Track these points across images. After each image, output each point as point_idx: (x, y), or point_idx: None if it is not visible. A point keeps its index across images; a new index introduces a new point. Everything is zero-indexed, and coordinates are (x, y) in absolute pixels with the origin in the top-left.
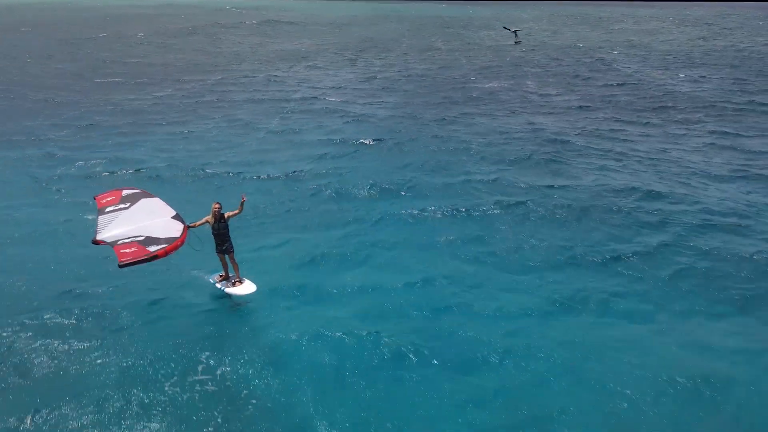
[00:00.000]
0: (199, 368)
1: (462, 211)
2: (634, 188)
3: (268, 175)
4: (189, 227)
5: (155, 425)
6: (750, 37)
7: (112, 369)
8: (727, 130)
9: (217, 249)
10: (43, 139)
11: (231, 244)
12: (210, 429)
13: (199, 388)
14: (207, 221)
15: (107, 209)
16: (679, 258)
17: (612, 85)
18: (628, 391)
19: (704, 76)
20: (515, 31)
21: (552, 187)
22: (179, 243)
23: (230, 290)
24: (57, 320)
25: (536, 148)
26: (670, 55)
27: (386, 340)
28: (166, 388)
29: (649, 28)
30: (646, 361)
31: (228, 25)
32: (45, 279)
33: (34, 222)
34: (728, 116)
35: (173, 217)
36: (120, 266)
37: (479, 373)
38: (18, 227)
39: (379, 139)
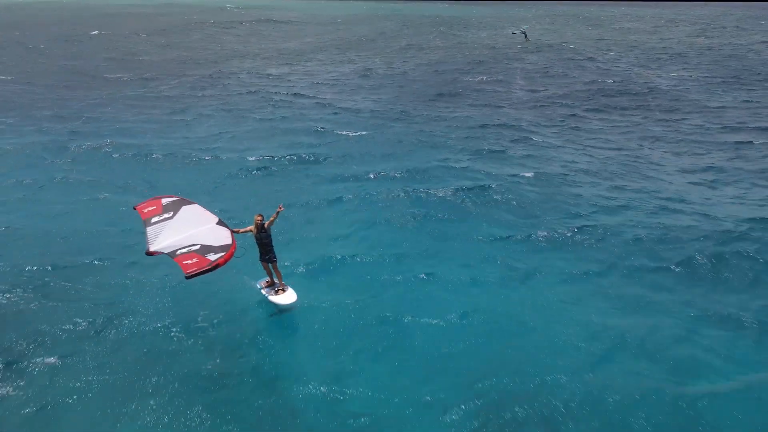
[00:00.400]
0: (199, 318)
1: (434, 194)
2: (598, 180)
3: (260, 157)
4: (233, 233)
5: (163, 363)
6: (748, 35)
7: (126, 322)
8: (707, 125)
9: (260, 257)
10: (53, 128)
11: (274, 254)
12: (209, 365)
13: (201, 334)
14: (250, 230)
15: (153, 220)
16: (628, 232)
17: (600, 82)
18: (567, 334)
19: (693, 75)
20: (524, 31)
21: (521, 175)
22: (234, 249)
23: (273, 298)
24: (77, 286)
25: (511, 144)
26: (664, 53)
27: (366, 304)
28: (173, 334)
29: (649, 28)
30: (585, 312)
31: (228, 24)
32: (68, 250)
33: (51, 200)
34: (710, 112)
35: (217, 223)
36: (187, 278)
37: (447, 330)
38: (38, 205)
39: (364, 130)
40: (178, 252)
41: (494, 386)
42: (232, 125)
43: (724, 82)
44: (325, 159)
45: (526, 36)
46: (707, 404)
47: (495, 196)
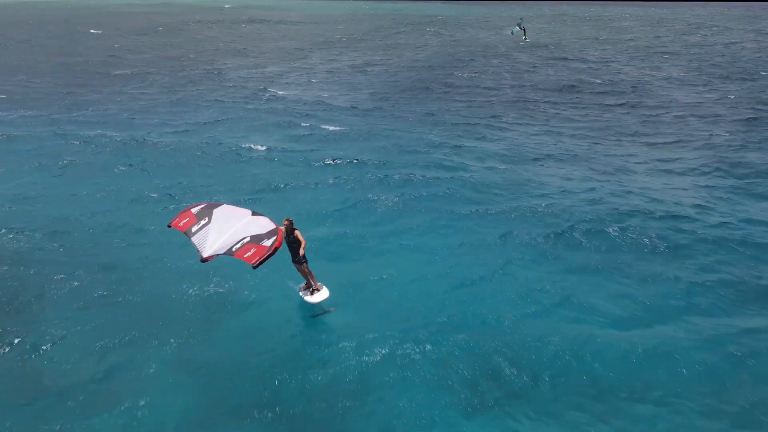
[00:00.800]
0: (212, 284)
1: (413, 179)
2: (569, 169)
3: (254, 144)
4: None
5: (186, 320)
6: (743, 34)
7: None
8: (686, 120)
9: (291, 259)
10: (63, 119)
11: (304, 256)
12: (224, 313)
13: (214, 293)
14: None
15: (193, 230)
16: (585, 210)
17: (588, 81)
18: (518, 287)
19: (682, 74)
20: (522, 27)
21: (496, 167)
22: (281, 230)
23: (308, 299)
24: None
25: (492, 138)
26: (656, 52)
27: (347, 271)
28: (191, 292)
29: (646, 28)
30: (538, 271)
31: (226, 24)
32: (83, 228)
33: (65, 183)
34: (691, 108)
35: (253, 214)
36: (254, 268)
37: (416, 285)
38: (54, 187)
39: (352, 124)
40: (233, 249)
41: (447, 324)
42: (229, 115)
43: (710, 79)
44: (314, 148)
45: (524, 32)
46: (636, 349)
47: (470, 181)
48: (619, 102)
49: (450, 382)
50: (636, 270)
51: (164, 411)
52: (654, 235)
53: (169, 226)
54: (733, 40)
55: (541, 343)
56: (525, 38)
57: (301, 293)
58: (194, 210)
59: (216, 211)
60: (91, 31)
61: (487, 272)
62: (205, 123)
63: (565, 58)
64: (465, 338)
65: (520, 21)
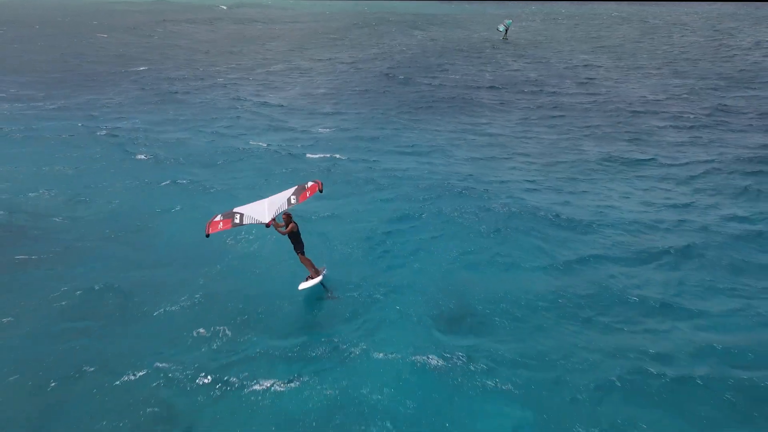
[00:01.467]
0: (231, 238)
1: (383, 170)
2: (514, 166)
3: (249, 142)
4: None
5: (224, 258)
6: (737, 33)
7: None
8: (645, 118)
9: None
10: (78, 113)
11: (298, 247)
12: (251, 256)
13: (235, 254)
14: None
15: (236, 220)
16: (519, 190)
17: (566, 85)
18: (457, 250)
19: (657, 72)
20: (506, 27)
21: (458, 160)
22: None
23: (304, 285)
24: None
25: (464, 137)
26: (641, 52)
27: (332, 233)
28: (228, 241)
29: (635, 26)
30: (444, 234)
31: (224, 24)
32: (122, 211)
33: (86, 173)
34: (648, 107)
35: (267, 201)
36: (321, 192)
37: (369, 238)
38: (82, 171)
39: (336, 122)
40: (291, 200)
41: (401, 269)
42: (227, 113)
43: (683, 80)
44: (305, 144)
45: (506, 32)
46: (549, 285)
47: (436, 169)
48: (591, 100)
49: (398, 307)
50: (557, 236)
51: (213, 300)
52: (580, 213)
53: (207, 236)
54: (716, 39)
55: (476, 282)
56: (505, 38)
57: (306, 284)
58: (218, 218)
59: (238, 209)
60: (97, 34)
61: (437, 234)
62: (204, 120)
63: (550, 60)
64: (414, 279)
65: (509, 23)
